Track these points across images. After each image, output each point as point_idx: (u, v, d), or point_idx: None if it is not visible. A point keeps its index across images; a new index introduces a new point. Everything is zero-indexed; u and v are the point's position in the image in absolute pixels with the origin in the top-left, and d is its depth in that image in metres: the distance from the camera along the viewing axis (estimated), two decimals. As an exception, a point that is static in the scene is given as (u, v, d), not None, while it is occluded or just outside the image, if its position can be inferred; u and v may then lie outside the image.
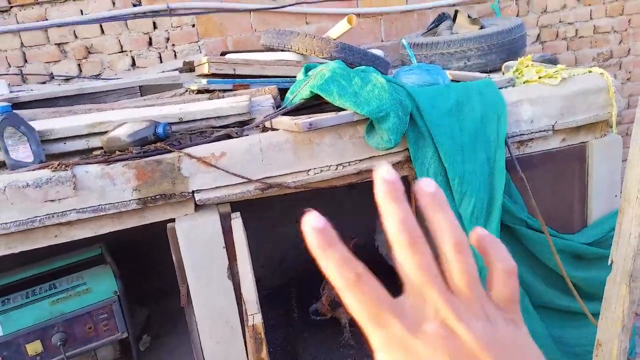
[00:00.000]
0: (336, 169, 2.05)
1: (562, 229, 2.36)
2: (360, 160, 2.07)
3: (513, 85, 2.24)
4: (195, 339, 2.12)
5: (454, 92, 2.06)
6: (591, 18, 3.59)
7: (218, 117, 2.14)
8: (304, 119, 1.93)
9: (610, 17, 3.63)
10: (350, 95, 1.92)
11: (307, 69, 2.34)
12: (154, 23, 3.01)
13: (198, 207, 2.03)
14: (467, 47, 2.65)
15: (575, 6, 3.54)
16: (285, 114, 2.11)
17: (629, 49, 3.74)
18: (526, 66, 2.31)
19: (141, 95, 2.64)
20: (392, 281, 0.44)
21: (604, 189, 2.39)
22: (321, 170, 2.05)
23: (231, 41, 3.12)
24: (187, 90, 2.60)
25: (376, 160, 2.09)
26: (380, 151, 2.03)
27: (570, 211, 2.41)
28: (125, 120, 2.02)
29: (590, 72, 2.25)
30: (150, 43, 3.02)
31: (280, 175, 2.02)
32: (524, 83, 2.24)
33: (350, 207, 3.18)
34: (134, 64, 3.03)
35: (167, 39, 3.04)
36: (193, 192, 1.96)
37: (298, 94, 2.14)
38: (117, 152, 1.94)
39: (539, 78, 2.20)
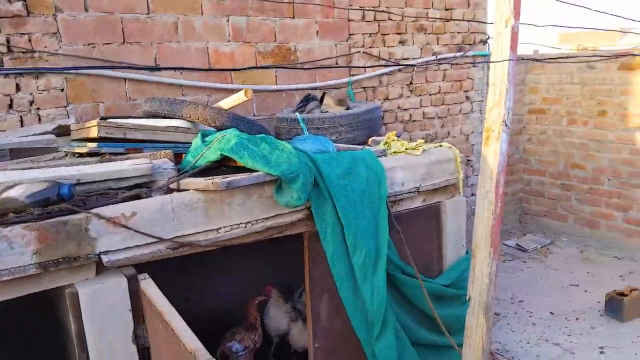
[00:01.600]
0: (245, 226, 2.16)
1: (424, 274, 2.76)
2: (266, 218, 2.22)
3: (385, 155, 2.66)
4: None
5: (346, 158, 2.37)
6: (421, 106, 4.38)
7: (118, 179, 2.11)
8: (219, 179, 2.02)
9: (434, 106, 4.48)
10: (261, 158, 2.10)
11: (204, 135, 2.46)
12: (17, 85, 2.83)
13: (99, 270, 1.93)
14: (338, 123, 3.04)
15: (409, 96, 4.29)
16: (190, 176, 2.18)
17: (449, 132, 4.62)
18: (392, 140, 2.77)
19: (11, 159, 2.42)
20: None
21: (454, 239, 2.89)
22: (231, 228, 2.13)
23: (103, 107, 3.06)
24: (67, 154, 2.48)
25: (281, 217, 2.25)
26: (285, 209, 2.21)
27: (430, 258, 2.84)
28: (16, 181, 1.88)
29: (441, 146, 2.80)
30: (10, 105, 2.81)
31: (191, 234, 2.05)
32: (393, 153, 2.67)
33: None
34: (-12, 126, 2.77)
35: (32, 102, 2.86)
36: (99, 254, 1.87)
37: (202, 157, 2.23)
38: (11, 215, 1.78)
39: (405, 150, 2.65)
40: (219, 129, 2.59)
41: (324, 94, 3.37)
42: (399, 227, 2.54)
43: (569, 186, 5.12)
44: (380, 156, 2.61)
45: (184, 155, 2.46)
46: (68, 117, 3.00)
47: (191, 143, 2.51)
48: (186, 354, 1.47)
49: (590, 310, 3.68)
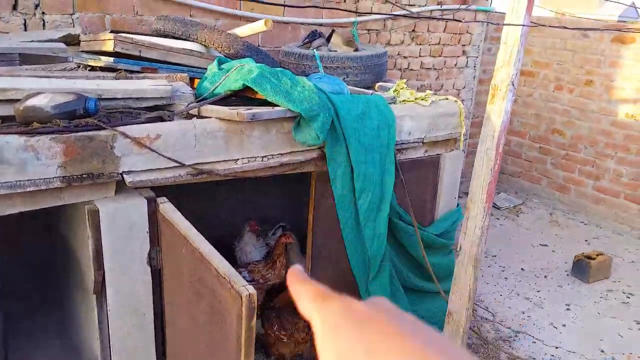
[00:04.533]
0: (262, 160, 2.19)
1: (418, 222, 2.89)
2: (282, 153, 2.25)
3: (395, 103, 2.69)
4: (103, 329, 1.99)
5: (360, 102, 2.40)
6: (420, 55, 4.38)
7: (137, 98, 2.08)
8: (243, 110, 2.02)
9: (432, 57, 4.48)
10: (283, 93, 2.10)
11: (220, 62, 2.42)
12: (21, -16, 2.66)
13: (118, 190, 1.94)
14: (347, 64, 3.03)
15: (410, 44, 4.28)
16: (210, 103, 2.16)
17: (442, 85, 4.67)
18: (402, 88, 2.80)
19: (20, 64, 2.32)
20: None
21: (448, 192, 3.01)
22: (249, 161, 2.16)
23: (109, 20, 2.93)
24: (79, 66, 2.40)
25: (295, 155, 2.29)
26: (300, 146, 2.24)
27: (424, 208, 2.96)
28: (40, 89, 1.82)
29: (447, 99, 2.85)
30: (14, 7, 2.65)
31: (211, 162, 2.07)
32: (402, 102, 2.71)
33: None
34: (-12, 26, 2.62)
35: (37, 5, 2.70)
36: (122, 173, 1.87)
37: (222, 85, 2.21)
38: (36, 124, 1.74)
39: (415, 99, 2.69)
40: (233, 58, 2.55)
41: (332, 31, 3.32)
42: (402, 175, 2.63)
43: (546, 150, 5.32)
44: (391, 103, 2.65)
45: (196, 80, 2.42)
46: (73, 26, 2.87)
47: (204, 68, 2.47)
48: (218, 278, 1.54)
49: (558, 269, 3.96)
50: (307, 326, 2.70)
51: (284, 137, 2.22)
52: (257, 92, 2.12)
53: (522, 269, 3.94)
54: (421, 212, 2.94)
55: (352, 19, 3.88)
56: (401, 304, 2.75)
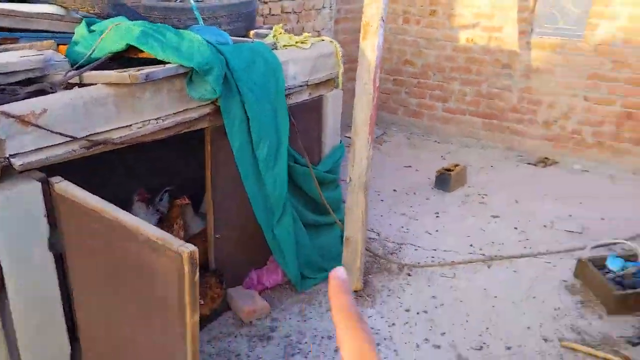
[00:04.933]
0: (156, 122, 2.14)
1: (310, 161, 3.06)
2: (175, 113, 2.21)
3: (276, 48, 2.75)
4: (9, 333, 1.87)
5: (246, 51, 2.42)
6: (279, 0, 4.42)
7: (7, 73, 1.88)
8: (133, 71, 1.94)
9: (291, 0, 4.54)
10: (172, 49, 2.04)
11: (89, 23, 2.25)
12: None
13: (5, 177, 1.78)
14: (218, 14, 2.98)
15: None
16: (91, 69, 2.03)
17: (303, 27, 4.77)
18: (280, 33, 2.85)
19: None
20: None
21: (332, 130, 3.21)
22: (143, 125, 2.10)
23: None
24: None
25: (189, 112, 2.27)
26: (193, 103, 2.22)
27: (313, 148, 3.14)
28: None
29: (323, 40, 2.97)
30: None
31: (105, 132, 1.97)
32: (283, 47, 2.78)
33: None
34: None
35: None
36: (9, 157, 1.72)
37: (99, 48, 2.08)
38: None
39: (295, 43, 2.78)
40: (101, 18, 2.37)
41: (196, -19, 3.20)
42: (293, 119, 2.75)
43: (400, 81, 5.80)
44: (273, 49, 2.70)
45: (62, 47, 2.23)
46: None
47: (71, 33, 2.28)
48: (149, 244, 1.54)
49: (423, 185, 4.48)
50: (220, 281, 2.79)
51: (176, 95, 2.18)
52: (141, 52, 2.04)
53: (394, 190, 4.39)
54: (310, 152, 3.11)
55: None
56: (303, 241, 2.95)
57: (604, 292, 2.98)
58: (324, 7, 5.00)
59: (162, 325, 1.65)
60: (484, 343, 2.70)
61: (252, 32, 3.03)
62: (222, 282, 2.80)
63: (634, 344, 2.70)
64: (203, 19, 2.97)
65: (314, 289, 3.03)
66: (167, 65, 2.05)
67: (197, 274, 1.49)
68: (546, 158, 5.03)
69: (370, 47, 2.70)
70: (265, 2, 4.30)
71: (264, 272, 2.93)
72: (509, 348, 2.67)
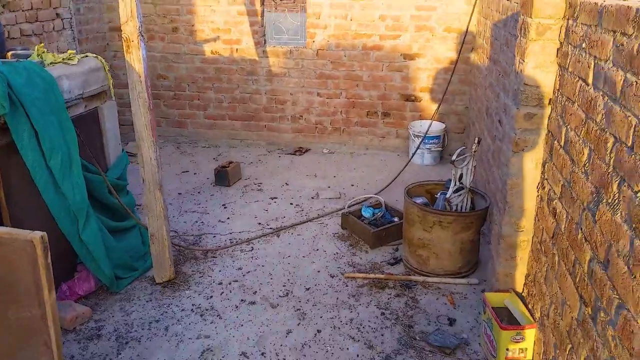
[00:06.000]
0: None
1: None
2: (-43, 134, 2.13)
3: (44, 66, 2.79)
4: None
5: (21, 69, 2.44)
6: (17, 22, 4.18)
7: None
8: None
9: (29, 23, 4.34)
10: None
11: None
12: None
13: None
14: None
15: (3, 12, 4.02)
16: None
17: (47, 49, 4.60)
18: (43, 52, 2.88)
19: None
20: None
21: (113, 139, 3.34)
22: None
23: None
24: None
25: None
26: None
27: (98, 157, 3.23)
28: None
29: (87, 56, 3.10)
30: None
31: None
32: (50, 64, 2.83)
33: None
34: None
35: None
36: None
37: None
38: None
39: (62, 60, 2.86)
40: None
41: None
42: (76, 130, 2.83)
43: (157, 95, 6.03)
44: (43, 67, 2.74)
45: None
46: None
47: None
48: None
49: (204, 184, 4.87)
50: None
51: (-44, 116, 2.11)
52: None
53: (179, 192, 4.67)
54: (97, 161, 3.20)
55: None
56: (111, 244, 3.05)
57: (365, 233, 3.85)
58: (64, 29, 4.92)
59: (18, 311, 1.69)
60: (288, 290, 3.25)
61: (9, 54, 2.96)
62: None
63: (392, 264, 3.61)
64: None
65: (128, 287, 3.15)
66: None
67: (49, 256, 1.61)
68: (300, 147, 5.94)
69: (137, 59, 2.97)
70: (5, 26, 4.08)
71: (76, 282, 2.92)
72: (307, 289, 3.28)
